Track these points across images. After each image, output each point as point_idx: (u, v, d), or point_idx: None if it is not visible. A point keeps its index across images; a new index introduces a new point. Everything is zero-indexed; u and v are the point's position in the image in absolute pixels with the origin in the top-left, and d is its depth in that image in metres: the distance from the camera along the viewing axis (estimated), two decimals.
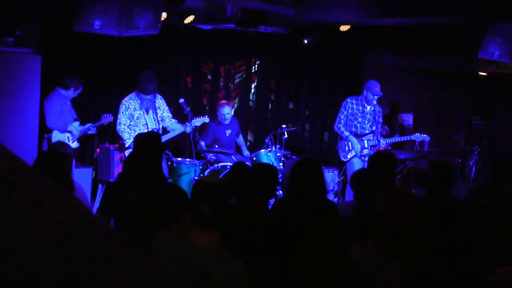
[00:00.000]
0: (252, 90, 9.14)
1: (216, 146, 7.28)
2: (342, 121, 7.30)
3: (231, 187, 3.37)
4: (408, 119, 9.37)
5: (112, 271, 0.81)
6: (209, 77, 8.83)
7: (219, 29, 8.43)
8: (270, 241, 3.30)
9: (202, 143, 7.36)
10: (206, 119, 7.10)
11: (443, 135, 9.27)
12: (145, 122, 6.67)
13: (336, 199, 7.62)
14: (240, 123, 8.12)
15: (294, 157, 7.83)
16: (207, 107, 8.74)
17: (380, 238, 3.12)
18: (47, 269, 0.76)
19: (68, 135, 7.03)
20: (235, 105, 8.94)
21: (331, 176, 7.58)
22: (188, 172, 6.89)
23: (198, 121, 6.98)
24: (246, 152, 7.80)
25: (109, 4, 5.99)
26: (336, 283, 2.99)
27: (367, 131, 7.26)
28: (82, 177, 6.52)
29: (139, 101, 6.64)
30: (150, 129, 6.53)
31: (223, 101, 7.83)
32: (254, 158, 7.24)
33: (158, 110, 6.78)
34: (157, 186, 3.79)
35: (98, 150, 7.32)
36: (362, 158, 7.16)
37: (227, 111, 7.50)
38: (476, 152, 8.64)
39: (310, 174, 3.78)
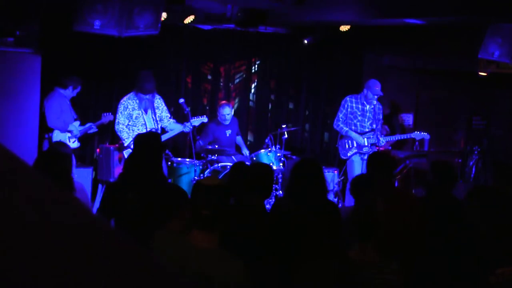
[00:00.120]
0: (252, 90, 9.14)
1: (216, 146, 7.28)
2: (341, 119, 7.30)
3: (231, 187, 3.37)
4: (408, 119, 9.37)
5: (112, 271, 0.81)
6: (209, 77, 8.83)
7: (219, 29, 8.43)
8: (270, 241, 3.30)
9: (201, 142, 7.37)
10: (204, 119, 7.10)
11: (443, 135, 9.28)
12: (143, 122, 6.67)
13: (336, 199, 7.62)
14: (240, 123, 8.12)
15: (294, 157, 7.83)
16: (207, 107, 8.74)
17: (380, 238, 3.12)
18: (47, 269, 0.76)
19: (68, 134, 7.03)
20: (235, 105, 8.93)
21: (331, 176, 7.59)
22: (188, 172, 6.90)
23: (196, 121, 6.98)
24: (245, 152, 7.80)
25: (109, 4, 5.99)
26: (336, 283, 2.99)
27: (367, 130, 7.26)
28: (82, 177, 6.52)
29: (137, 101, 6.64)
30: (148, 129, 6.54)
31: (223, 102, 7.83)
32: (254, 158, 7.24)
33: (156, 110, 6.79)
34: (157, 186, 3.79)
35: (98, 150, 7.33)
36: (362, 156, 7.16)
37: (227, 112, 7.49)
38: (476, 152, 8.64)
39: (311, 174, 3.79)
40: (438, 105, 9.49)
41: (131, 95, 6.69)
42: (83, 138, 7.37)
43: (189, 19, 7.53)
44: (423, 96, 9.55)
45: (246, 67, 9.04)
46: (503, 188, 3.95)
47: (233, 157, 7.34)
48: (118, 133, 6.74)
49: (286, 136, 7.52)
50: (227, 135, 7.60)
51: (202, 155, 7.16)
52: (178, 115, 7.84)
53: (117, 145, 6.95)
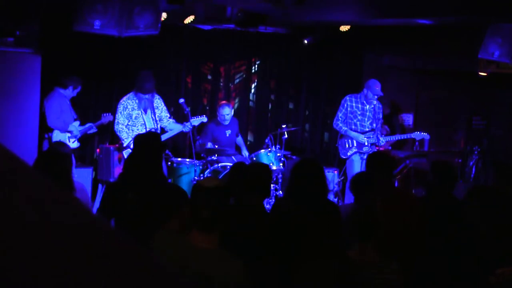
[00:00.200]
0: (252, 90, 9.14)
1: (216, 147, 7.28)
2: (340, 119, 7.30)
3: (231, 188, 3.37)
4: (408, 119, 9.38)
5: (112, 271, 0.81)
6: (209, 77, 8.83)
7: (219, 29, 8.43)
8: (270, 241, 3.30)
9: (202, 143, 7.37)
10: (204, 119, 7.10)
11: (443, 135, 9.28)
12: (143, 122, 6.67)
13: (336, 199, 7.62)
14: (240, 123, 8.12)
15: (294, 157, 7.83)
16: (207, 107, 8.74)
17: (380, 238, 3.12)
18: (47, 269, 0.76)
19: (68, 135, 7.03)
20: (235, 105, 8.94)
21: (331, 176, 7.59)
22: (188, 172, 6.89)
23: (196, 121, 6.97)
24: (245, 152, 7.80)
25: (109, 4, 5.99)
26: (336, 283, 3.00)
27: (367, 129, 7.26)
28: (82, 177, 6.52)
29: (137, 101, 6.65)
30: (148, 129, 6.54)
31: (223, 102, 7.83)
32: (254, 158, 7.24)
33: (156, 110, 6.79)
34: (157, 186, 3.79)
35: (98, 150, 7.32)
36: (362, 156, 7.16)
37: (227, 112, 7.49)
38: (476, 152, 8.64)
39: (311, 174, 3.78)
40: (438, 105, 9.49)
41: (130, 95, 6.69)
42: (83, 138, 7.37)
43: (189, 19, 7.53)
44: (423, 96, 9.55)
45: (246, 67, 9.04)
46: (503, 188, 3.95)
47: (233, 157, 7.34)
48: (118, 133, 6.74)
49: (286, 136, 7.52)
50: (227, 135, 7.60)
51: (202, 155, 7.16)
52: (178, 115, 7.84)
53: (117, 145, 6.95)
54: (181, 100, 7.01)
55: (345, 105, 7.27)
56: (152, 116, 6.74)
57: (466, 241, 3.29)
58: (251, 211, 3.52)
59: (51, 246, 0.80)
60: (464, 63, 8.27)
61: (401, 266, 3.13)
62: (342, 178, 7.79)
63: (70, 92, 7.09)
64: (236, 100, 9.04)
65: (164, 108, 6.93)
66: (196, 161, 6.85)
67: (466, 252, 3.24)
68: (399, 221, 3.82)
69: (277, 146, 7.41)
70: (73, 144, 6.98)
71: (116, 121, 6.72)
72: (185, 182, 6.79)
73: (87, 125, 7.21)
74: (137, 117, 6.67)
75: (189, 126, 6.82)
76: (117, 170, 6.54)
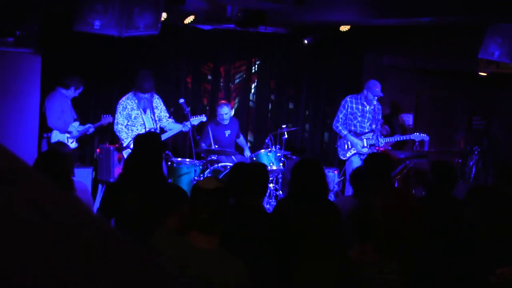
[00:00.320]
0: (252, 90, 9.14)
1: (216, 147, 7.28)
2: (341, 120, 7.29)
3: (231, 188, 3.37)
4: (408, 119, 9.38)
5: (112, 271, 0.81)
6: (209, 77, 8.83)
7: (219, 29, 8.43)
8: (270, 241, 3.30)
9: (203, 144, 7.37)
10: (203, 118, 7.10)
11: (443, 135, 9.28)
12: (142, 122, 6.67)
13: (336, 199, 7.62)
14: (240, 123, 8.11)
15: (294, 157, 7.83)
16: (207, 107, 8.74)
17: (380, 238, 3.12)
18: (47, 269, 0.76)
19: (67, 135, 7.03)
20: (235, 105, 8.94)
21: (331, 176, 7.59)
22: (188, 172, 6.89)
23: (195, 120, 6.97)
24: (247, 153, 7.79)
25: (109, 4, 5.99)
26: (336, 283, 2.99)
27: (367, 130, 7.26)
28: (82, 177, 6.52)
29: (136, 101, 6.65)
30: (147, 129, 6.54)
31: (222, 101, 7.82)
32: (254, 158, 7.24)
33: (155, 110, 6.79)
34: (157, 186, 3.79)
35: (98, 150, 7.32)
36: (361, 156, 7.16)
37: (226, 111, 7.48)
38: (476, 152, 8.65)
39: (311, 174, 3.79)
40: (438, 105, 9.49)
41: (129, 95, 6.70)
42: (83, 138, 7.37)
43: (189, 19, 7.53)
44: (423, 96, 9.55)
45: (246, 67, 9.04)
46: (503, 188, 3.95)
47: (233, 157, 7.34)
48: (117, 133, 6.74)
49: (286, 136, 7.52)
50: (226, 135, 7.59)
51: (202, 155, 7.16)
52: (178, 115, 7.85)
53: (117, 145, 6.95)
54: (181, 100, 7.01)
55: (346, 106, 7.26)
56: (152, 116, 6.74)
57: (466, 241, 3.30)
58: (251, 211, 3.52)
59: (51, 246, 0.80)
60: (464, 63, 8.27)
61: (401, 266, 3.13)
62: (342, 178, 7.79)
63: (72, 93, 7.09)
64: (236, 100, 9.04)
65: (164, 108, 6.93)
66: (196, 161, 6.85)
67: (466, 252, 3.24)
68: (399, 221, 3.82)
69: (277, 146, 7.41)
70: (72, 144, 6.97)
71: (115, 121, 6.72)
72: (185, 182, 6.78)
73: (86, 125, 7.21)
74: (136, 117, 6.67)
75: (188, 126, 6.82)
76: (117, 170, 6.54)
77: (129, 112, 6.65)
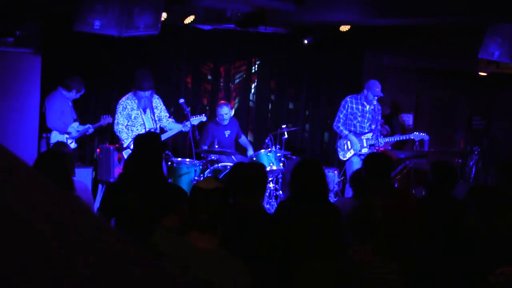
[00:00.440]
0: (252, 90, 9.14)
1: (216, 147, 7.28)
2: (341, 120, 7.29)
3: (230, 188, 3.37)
4: (408, 119, 9.38)
5: (112, 271, 0.81)
6: (209, 77, 8.83)
7: (219, 29, 8.42)
8: (270, 241, 3.30)
9: (203, 145, 7.37)
10: (203, 118, 7.10)
11: (443, 135, 9.28)
12: (142, 122, 6.67)
13: (336, 199, 7.62)
14: (240, 123, 8.11)
15: (294, 157, 7.83)
16: (207, 107, 8.74)
17: (379, 238, 3.12)
18: (47, 269, 0.76)
19: (66, 136, 7.02)
20: (235, 105, 8.94)
21: (331, 176, 7.58)
22: (188, 172, 6.89)
23: (195, 120, 6.97)
24: (251, 152, 7.77)
25: (109, 4, 5.99)
26: (336, 283, 2.99)
27: (366, 130, 7.26)
28: (82, 177, 6.51)
29: (136, 101, 6.65)
30: (147, 129, 6.54)
31: (222, 101, 7.82)
32: (254, 158, 7.24)
33: (155, 110, 6.79)
34: (157, 186, 3.79)
35: (98, 150, 7.32)
36: (361, 157, 7.15)
37: (225, 111, 7.48)
38: (476, 152, 8.65)
39: (311, 175, 3.78)
40: (438, 105, 9.49)
41: (129, 95, 6.70)
42: (83, 139, 7.37)
43: (189, 19, 7.52)
44: (423, 96, 9.55)
45: (246, 67, 9.03)
46: (503, 188, 3.95)
47: (233, 157, 7.33)
48: (117, 134, 6.74)
49: (286, 136, 7.52)
50: (226, 135, 7.59)
51: (202, 155, 7.16)
52: (178, 115, 7.84)
53: (117, 145, 6.95)
54: (181, 100, 7.01)
55: (346, 106, 7.26)
56: (152, 116, 6.74)
57: (466, 241, 3.30)
58: (251, 211, 3.52)
59: (51, 246, 0.80)
60: (464, 63, 8.27)
61: (401, 266, 3.13)
62: (342, 178, 7.78)
63: (73, 95, 7.07)
64: (236, 100, 9.04)
65: (163, 108, 6.93)
66: (196, 161, 6.85)
67: (466, 252, 3.24)
68: (399, 221, 3.82)
69: (277, 146, 7.40)
70: (71, 145, 6.97)
71: (115, 121, 6.72)
72: (185, 182, 6.78)
73: (86, 126, 7.20)
74: (136, 117, 6.67)
75: (188, 126, 6.82)
76: (117, 170, 6.54)
77: (129, 112, 6.64)
